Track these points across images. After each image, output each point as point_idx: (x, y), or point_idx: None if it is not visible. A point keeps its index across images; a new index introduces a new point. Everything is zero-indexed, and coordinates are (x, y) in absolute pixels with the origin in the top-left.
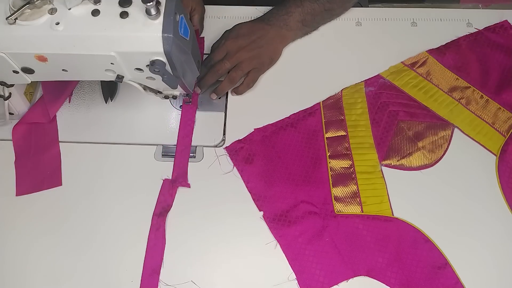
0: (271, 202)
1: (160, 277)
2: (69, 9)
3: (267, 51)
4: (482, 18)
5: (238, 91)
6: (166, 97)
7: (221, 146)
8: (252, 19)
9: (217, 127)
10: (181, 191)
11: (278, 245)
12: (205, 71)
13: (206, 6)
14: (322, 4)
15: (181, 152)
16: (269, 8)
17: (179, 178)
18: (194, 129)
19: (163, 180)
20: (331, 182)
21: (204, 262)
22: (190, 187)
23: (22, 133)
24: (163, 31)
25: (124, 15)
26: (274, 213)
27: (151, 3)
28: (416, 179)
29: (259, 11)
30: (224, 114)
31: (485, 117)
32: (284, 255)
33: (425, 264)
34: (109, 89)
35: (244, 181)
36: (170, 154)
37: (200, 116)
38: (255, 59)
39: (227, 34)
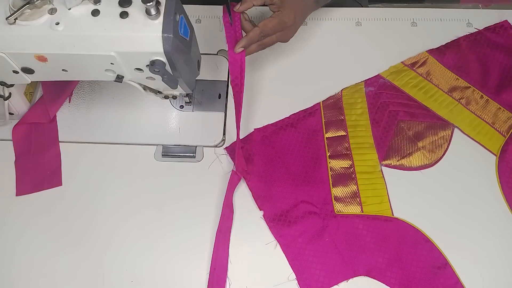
0: (271, 202)
1: None
2: (69, 9)
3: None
4: (482, 18)
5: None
6: (166, 97)
7: (221, 146)
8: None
9: (217, 127)
10: (181, 192)
11: (278, 245)
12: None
13: (205, 6)
14: None
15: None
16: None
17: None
18: (194, 130)
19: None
20: (331, 182)
21: (204, 262)
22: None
23: (22, 133)
24: (163, 31)
25: (124, 15)
26: (274, 213)
27: (151, 3)
28: (416, 179)
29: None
30: (224, 114)
31: (485, 117)
32: (284, 255)
33: (425, 264)
34: None
35: (244, 181)
36: (170, 154)
37: (200, 116)
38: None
39: None
